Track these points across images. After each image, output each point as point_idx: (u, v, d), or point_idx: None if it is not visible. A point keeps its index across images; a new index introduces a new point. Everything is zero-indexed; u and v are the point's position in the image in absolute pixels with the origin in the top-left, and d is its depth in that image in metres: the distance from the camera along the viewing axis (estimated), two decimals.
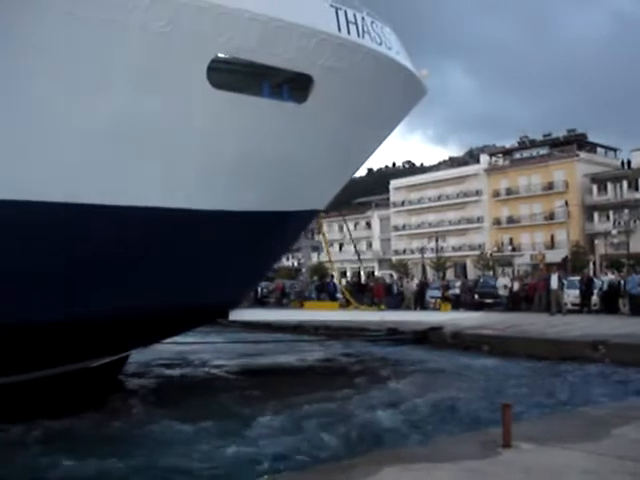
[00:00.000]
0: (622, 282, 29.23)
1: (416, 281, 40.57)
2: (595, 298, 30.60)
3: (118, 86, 11.00)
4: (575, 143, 79.24)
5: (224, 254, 13.47)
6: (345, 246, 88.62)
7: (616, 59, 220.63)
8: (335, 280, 48.40)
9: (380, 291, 37.75)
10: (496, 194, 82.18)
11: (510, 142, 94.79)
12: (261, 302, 42.34)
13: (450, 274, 74.87)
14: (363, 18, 13.41)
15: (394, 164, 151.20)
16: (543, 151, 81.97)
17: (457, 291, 37.73)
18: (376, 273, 74.39)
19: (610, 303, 29.38)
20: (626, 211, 67.94)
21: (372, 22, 13.64)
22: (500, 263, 74.52)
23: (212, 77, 11.73)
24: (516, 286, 35.43)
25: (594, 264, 65.60)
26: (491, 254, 75.79)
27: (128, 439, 10.48)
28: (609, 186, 73.60)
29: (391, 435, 10.60)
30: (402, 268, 77.01)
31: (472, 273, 72.36)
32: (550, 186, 76.43)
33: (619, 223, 68.53)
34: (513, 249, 78.69)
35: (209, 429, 10.96)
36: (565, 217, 69.36)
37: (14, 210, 10.58)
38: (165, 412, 12.29)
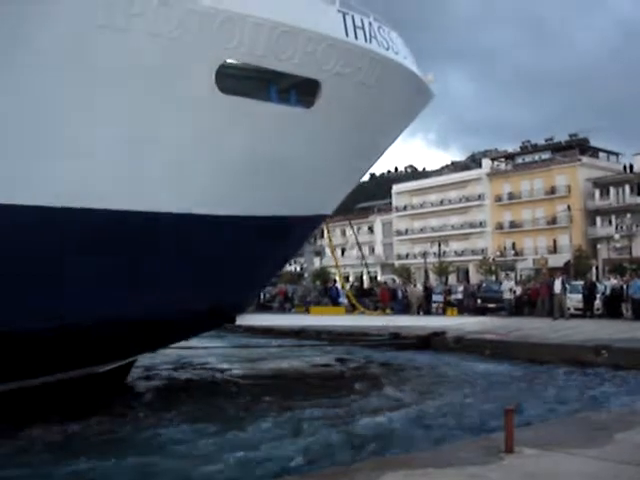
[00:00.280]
0: (625, 287, 29.19)
1: (419, 286, 40.36)
2: (598, 303, 30.58)
3: (127, 92, 11.04)
4: (577, 147, 79.29)
5: (232, 259, 13.49)
6: (347, 251, 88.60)
7: (618, 64, 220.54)
8: (338, 285, 48.46)
9: (385, 296, 37.64)
10: (498, 198, 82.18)
11: (512, 146, 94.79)
12: (264, 307, 42.35)
13: (453, 279, 74.84)
14: (370, 23, 13.43)
15: (396, 169, 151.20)
16: (545, 155, 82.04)
17: (460, 296, 37.72)
18: (379, 278, 74.30)
19: (613, 308, 29.35)
20: (628, 215, 67.90)
21: (379, 27, 13.66)
22: (503, 268, 74.44)
23: (220, 82, 11.76)
24: (519, 291, 35.44)
25: (597, 269, 65.58)
26: (494, 259, 75.75)
27: (134, 443, 10.49)
28: (611, 190, 73.56)
29: (394, 440, 10.59)
30: (404, 273, 76.93)
31: (475, 278, 72.24)
32: (552, 190, 76.42)
33: (621, 227, 68.49)
34: (516, 254, 78.64)
35: (213, 433, 10.97)
36: (567, 222, 69.25)
37: (28, 215, 10.64)
38: (170, 416, 12.34)
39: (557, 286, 28.81)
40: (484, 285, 41.83)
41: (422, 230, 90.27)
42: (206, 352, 21.57)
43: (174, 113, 11.60)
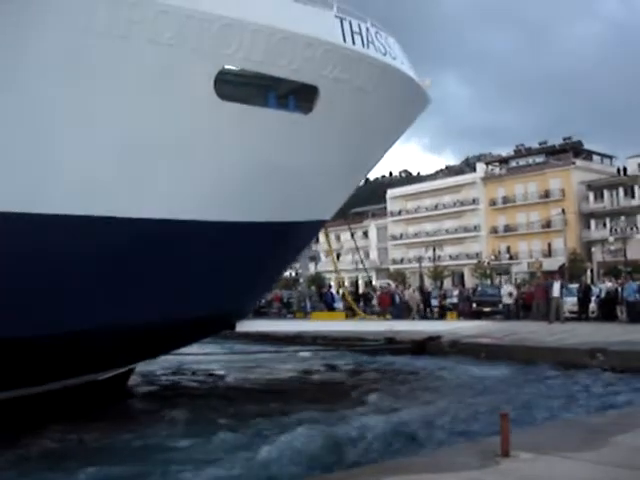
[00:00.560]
0: (619, 289, 29.25)
1: (413, 292, 40.24)
2: (593, 305, 30.64)
3: (125, 99, 11.04)
4: (571, 151, 79.57)
5: (232, 265, 13.48)
6: (342, 256, 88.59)
7: (611, 68, 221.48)
8: (333, 290, 48.45)
9: (385, 300, 37.47)
10: (493, 202, 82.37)
11: (506, 150, 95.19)
12: (259, 313, 42.17)
13: (448, 283, 74.95)
14: (368, 28, 13.47)
15: (391, 173, 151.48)
16: (539, 159, 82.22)
17: (455, 300, 37.70)
18: (374, 282, 74.24)
19: (608, 310, 29.41)
20: (622, 218, 68.06)
21: (376, 32, 13.69)
22: (497, 271, 74.58)
23: (219, 89, 11.77)
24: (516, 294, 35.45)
25: (591, 271, 65.74)
26: (488, 263, 75.87)
27: (131, 451, 10.45)
28: (605, 193, 73.82)
29: (391, 445, 10.59)
30: (399, 277, 77.00)
31: (470, 282, 72.35)
32: (547, 194, 76.63)
33: (616, 230, 68.63)
34: (510, 257, 78.78)
35: (208, 441, 10.92)
36: (562, 225, 69.42)
37: (29, 223, 10.62)
38: (167, 423, 12.34)
39: (556, 289, 28.81)
40: (479, 289, 41.78)
41: (417, 235, 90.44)
42: (202, 358, 21.51)
43: (173, 120, 11.60)
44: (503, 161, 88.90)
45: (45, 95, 10.37)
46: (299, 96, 13.29)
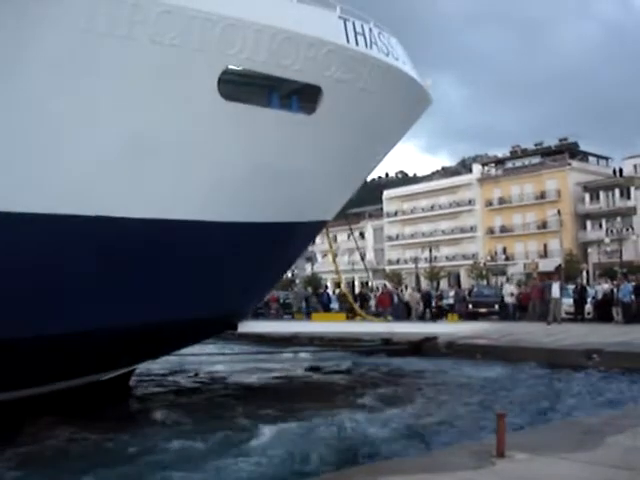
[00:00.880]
0: (615, 290, 29.29)
1: (413, 292, 39.89)
2: (589, 306, 30.68)
3: (130, 100, 11.04)
4: (567, 152, 79.64)
5: (234, 266, 13.48)
6: (339, 256, 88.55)
7: (607, 69, 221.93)
8: (329, 290, 48.40)
9: (385, 301, 36.94)
10: (489, 203, 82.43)
11: (502, 151, 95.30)
12: (256, 314, 41.95)
13: (444, 284, 74.99)
14: (371, 29, 13.50)
15: (387, 174, 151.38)
16: (535, 160, 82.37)
17: (451, 301, 37.61)
18: (370, 283, 74.25)
19: (603, 311, 29.44)
20: (618, 219, 68.25)
21: (379, 33, 13.73)
22: (494, 272, 74.66)
23: (223, 89, 11.78)
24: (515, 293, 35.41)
25: (587, 272, 65.81)
26: (484, 263, 75.96)
27: (127, 453, 10.39)
28: (601, 194, 73.93)
29: (384, 446, 10.58)
30: (396, 278, 77.01)
31: (466, 282, 72.42)
32: (542, 195, 76.70)
33: (612, 231, 68.81)
34: (506, 258, 78.86)
35: (205, 442, 10.91)
36: (558, 226, 69.56)
37: (31, 223, 10.61)
38: (166, 425, 12.34)
39: (555, 290, 28.83)
40: (475, 290, 41.66)
41: (413, 235, 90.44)
42: (198, 359, 21.48)
43: (176, 120, 11.60)
44: (499, 162, 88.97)
45: (46, 95, 10.36)
46: (302, 96, 13.31)
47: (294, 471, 9.16)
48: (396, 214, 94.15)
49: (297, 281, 55.87)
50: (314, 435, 11.11)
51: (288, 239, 14.82)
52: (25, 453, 10.38)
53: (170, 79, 11.24)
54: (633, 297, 27.61)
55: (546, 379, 16.86)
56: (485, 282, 67.84)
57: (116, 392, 15.08)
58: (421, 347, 22.98)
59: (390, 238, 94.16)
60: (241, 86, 12.74)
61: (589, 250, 71.15)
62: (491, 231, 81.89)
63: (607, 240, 66.71)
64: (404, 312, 35.31)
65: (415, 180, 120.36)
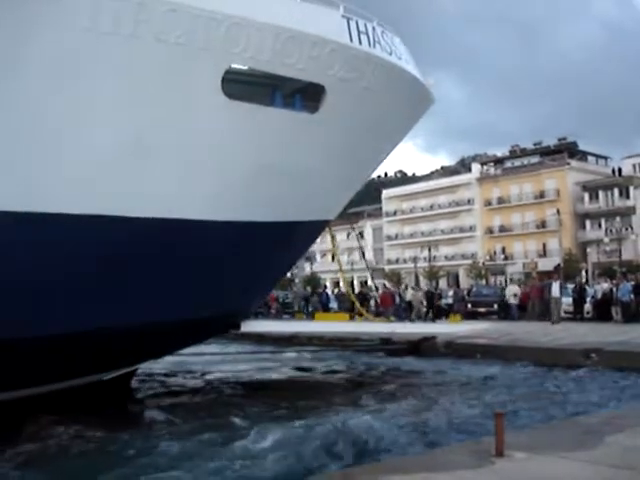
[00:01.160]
0: (614, 290, 29.31)
1: (412, 291, 39.52)
2: (588, 306, 30.70)
3: (133, 98, 11.04)
4: (566, 151, 79.65)
5: (236, 265, 13.48)
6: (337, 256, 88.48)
7: (605, 68, 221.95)
8: (328, 290, 48.36)
9: (387, 300, 36.62)
10: (488, 203, 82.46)
11: (501, 151, 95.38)
12: (255, 313, 41.84)
13: (443, 283, 75.02)
14: (374, 28, 13.49)
15: (386, 174, 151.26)
16: (534, 160, 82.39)
17: (450, 300, 37.57)
18: (369, 283, 74.25)
19: (603, 311, 29.45)
20: (618, 219, 68.31)
21: (382, 32, 13.72)
22: (493, 272, 74.71)
23: (226, 88, 11.78)
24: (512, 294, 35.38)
25: (586, 272, 65.83)
26: (484, 263, 76.00)
27: (127, 454, 10.38)
28: (600, 194, 73.97)
29: (384, 445, 10.59)
30: (395, 278, 77.02)
31: (465, 282, 72.48)
32: (542, 194, 76.74)
33: (611, 231, 68.85)
34: (505, 258, 78.92)
35: (205, 441, 10.92)
36: (557, 225, 69.59)
37: (33, 223, 10.59)
38: (166, 425, 12.34)
39: (555, 290, 28.86)
40: (474, 289, 41.68)
41: (412, 235, 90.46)
42: (197, 359, 21.45)
43: (180, 118, 11.60)
44: (498, 161, 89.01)
45: (49, 94, 10.34)
46: (305, 95, 13.32)
47: (295, 471, 9.15)
48: (395, 213, 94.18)
49: (296, 280, 55.76)
50: (315, 434, 11.10)
51: (291, 238, 14.83)
52: (26, 453, 10.36)
53: (174, 78, 11.23)
54: (632, 296, 27.61)
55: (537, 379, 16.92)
56: (484, 282, 67.87)
57: (117, 392, 15.05)
58: (420, 347, 22.98)
59: (389, 238, 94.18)
60: (245, 85, 12.74)
61: (588, 250, 71.19)
62: (490, 231, 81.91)
63: (606, 239, 66.74)
64: (407, 312, 35.12)
65: (414, 179, 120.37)
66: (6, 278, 10.68)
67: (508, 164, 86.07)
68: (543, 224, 75.42)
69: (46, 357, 11.86)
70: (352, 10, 13.21)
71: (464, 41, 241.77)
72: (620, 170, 75.88)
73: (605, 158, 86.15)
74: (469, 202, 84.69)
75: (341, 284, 77.63)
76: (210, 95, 11.69)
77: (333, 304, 41.35)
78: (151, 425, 12.53)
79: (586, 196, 75.12)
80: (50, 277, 11.12)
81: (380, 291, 42.89)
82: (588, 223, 74.13)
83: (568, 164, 76.79)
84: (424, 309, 34.78)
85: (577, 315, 30.25)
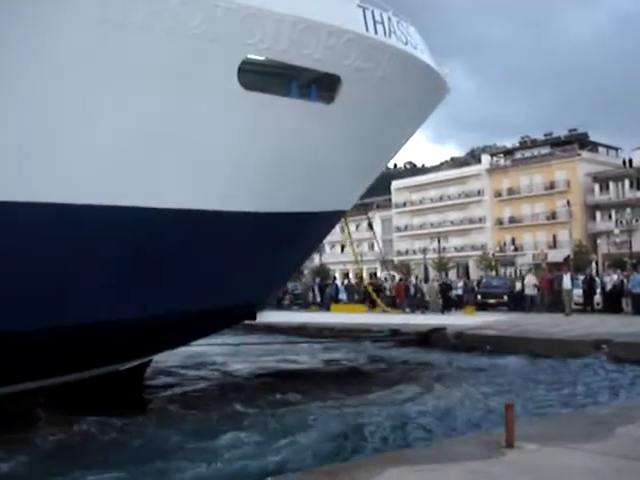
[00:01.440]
0: (625, 281, 29.23)
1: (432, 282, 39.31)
2: (598, 297, 30.62)
3: (150, 89, 11.01)
4: (576, 142, 79.39)
5: (254, 255, 13.46)
6: (347, 247, 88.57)
7: (616, 58, 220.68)
8: (337, 282, 48.40)
9: (401, 292, 36.73)
10: (498, 194, 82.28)
11: (511, 142, 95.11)
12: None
13: (452, 275, 74.96)
14: (389, 18, 13.42)
15: (395, 165, 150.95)
16: (544, 151, 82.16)
17: (460, 292, 37.53)
18: (378, 274, 74.30)
19: (613, 302, 29.37)
20: (628, 210, 67.86)
21: (398, 21, 13.66)
22: (502, 263, 74.59)
23: (242, 78, 11.75)
24: (519, 286, 35.30)
25: (596, 263, 65.62)
26: (493, 254, 75.88)
27: (137, 448, 10.37)
28: (611, 185, 73.68)
29: (396, 436, 10.60)
30: (404, 269, 77.02)
31: (474, 273, 72.40)
32: (552, 186, 76.53)
33: (621, 222, 68.48)
34: (515, 249, 78.81)
35: (220, 430, 10.95)
36: (567, 217, 69.37)
37: (52, 213, 10.59)
38: (181, 419, 12.30)
39: (567, 281, 28.81)
40: (484, 280, 41.62)
41: (421, 226, 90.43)
42: (209, 349, 21.40)
43: (197, 109, 11.57)
44: (508, 152, 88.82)
45: (66, 85, 10.31)
46: (321, 86, 13.27)
47: (303, 462, 9.17)
48: (404, 205, 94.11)
49: (305, 272, 55.88)
50: (335, 424, 11.16)
51: (307, 229, 14.80)
52: (50, 442, 10.42)
53: (190, 68, 11.19)
54: None
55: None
56: (494, 273, 67.78)
57: (132, 383, 15.06)
58: (429, 338, 22.94)
59: (398, 229, 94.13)
60: (261, 75, 12.70)
61: (598, 241, 71.01)
62: (500, 222, 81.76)
63: (617, 231, 66.49)
64: (421, 303, 35.08)
65: (424, 171, 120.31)
66: (27, 269, 10.70)
67: (518, 155, 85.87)
68: (553, 215, 75.25)
69: (67, 348, 11.87)
70: (367, 0, 13.15)
71: (473, 31, 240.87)
72: (631, 161, 75.35)
73: (616, 149, 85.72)
74: (479, 193, 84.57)
75: (350, 275, 77.83)
76: (226, 86, 11.65)
77: (342, 295, 41.42)
78: (162, 417, 12.49)
79: (596, 187, 74.84)
80: (68, 268, 11.12)
81: (389, 282, 42.90)
82: (598, 214, 73.87)
83: (579, 155, 76.54)
84: (439, 300, 34.66)
85: (587, 307, 30.19)
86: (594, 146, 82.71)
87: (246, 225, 12.95)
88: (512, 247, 79.28)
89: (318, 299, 41.34)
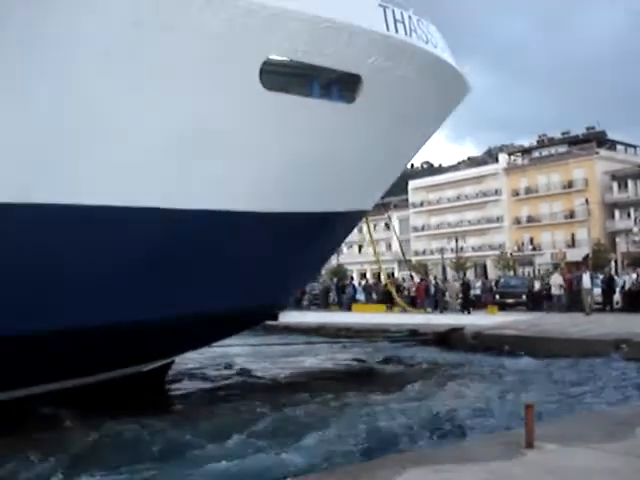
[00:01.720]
0: None
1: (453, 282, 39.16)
2: (617, 296, 30.46)
3: (173, 89, 11.04)
4: (594, 140, 78.88)
5: (275, 256, 13.48)
6: (365, 247, 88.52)
7: (635, 55, 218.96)
8: (355, 282, 48.42)
9: (421, 292, 36.73)
10: (515, 193, 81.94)
11: (529, 141, 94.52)
12: None
13: (470, 274, 74.74)
14: (410, 17, 13.40)
15: (412, 165, 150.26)
16: (562, 149, 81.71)
17: (478, 291, 37.46)
18: (396, 274, 74.22)
19: (632, 301, 29.21)
20: None
21: (418, 20, 13.64)
22: (521, 262, 74.26)
23: (264, 79, 11.76)
24: (537, 285, 35.18)
25: (615, 262, 65.23)
26: (511, 254, 75.57)
27: (162, 448, 10.38)
28: (630, 183, 73.14)
29: (418, 435, 10.63)
30: (422, 269, 76.89)
31: (492, 273, 72.14)
32: (570, 184, 76.10)
33: None
34: (533, 248, 78.42)
35: (241, 430, 10.97)
36: (585, 215, 69.01)
37: (76, 214, 10.66)
38: (203, 419, 12.33)
39: (586, 281, 28.68)
40: (502, 280, 41.54)
41: (439, 226, 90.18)
42: (227, 350, 21.47)
43: (219, 110, 11.60)
44: (525, 151, 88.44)
45: (91, 87, 10.36)
46: (342, 85, 13.26)
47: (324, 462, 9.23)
48: (422, 204, 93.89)
49: (323, 272, 55.82)
50: (359, 423, 11.22)
51: (329, 229, 14.82)
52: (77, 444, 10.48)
53: (212, 69, 11.21)
54: None
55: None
56: (512, 272, 67.52)
57: (154, 384, 15.15)
58: (448, 338, 22.91)
59: (416, 229, 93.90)
60: (282, 76, 12.71)
61: (617, 239, 70.52)
62: (518, 221, 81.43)
63: (635, 229, 66.08)
64: (441, 303, 35.11)
65: (441, 170, 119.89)
66: (58, 270, 10.82)
67: (536, 154, 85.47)
68: (571, 214, 74.82)
69: (93, 347, 11.97)
70: None
71: (490, 28, 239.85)
72: None
73: (634, 147, 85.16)
74: (496, 192, 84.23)
75: (368, 275, 77.75)
76: (248, 86, 11.68)
77: (360, 296, 41.45)
78: (185, 418, 12.56)
79: (615, 185, 74.35)
80: (96, 269, 11.22)
81: (408, 282, 42.90)
82: (617, 213, 73.37)
83: (597, 153, 76.05)
84: (459, 300, 34.63)
85: (606, 306, 30.04)
86: (612, 144, 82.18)
87: (268, 225, 12.99)
88: (530, 246, 78.90)
89: (336, 299, 41.45)
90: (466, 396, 13.87)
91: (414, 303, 36.52)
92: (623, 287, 30.60)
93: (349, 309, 38.15)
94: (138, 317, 11.79)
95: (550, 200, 77.92)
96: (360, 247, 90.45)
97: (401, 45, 13.12)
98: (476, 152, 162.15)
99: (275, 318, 16.65)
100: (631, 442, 7.21)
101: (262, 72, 11.66)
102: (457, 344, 22.23)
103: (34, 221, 10.37)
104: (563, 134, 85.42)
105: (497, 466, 6.42)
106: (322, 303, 41.69)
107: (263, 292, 13.71)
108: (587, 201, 69.19)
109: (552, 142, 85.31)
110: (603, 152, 77.31)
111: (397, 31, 12.98)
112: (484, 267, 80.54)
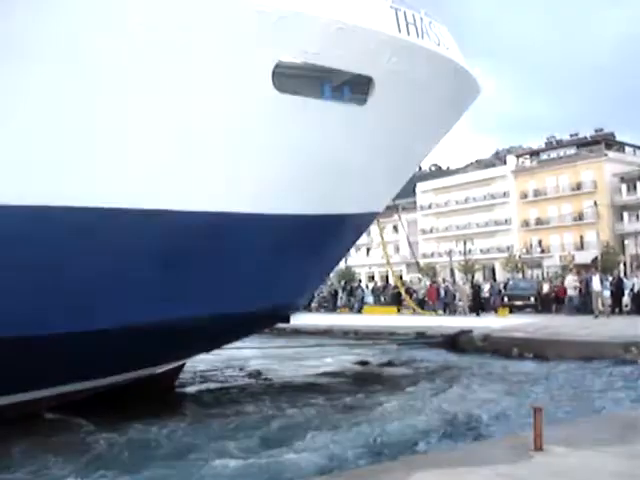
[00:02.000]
0: None
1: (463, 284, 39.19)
2: (626, 299, 30.39)
3: (184, 91, 11.05)
4: (603, 142, 78.70)
5: (286, 258, 13.47)
6: (373, 250, 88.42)
7: None
8: (363, 285, 48.49)
9: (433, 294, 36.88)
10: (524, 195, 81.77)
11: (537, 143, 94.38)
12: None
13: (479, 277, 74.61)
14: (422, 19, 13.39)
15: (420, 167, 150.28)
16: (570, 151, 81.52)
17: (487, 294, 37.47)
18: (404, 277, 74.14)
19: None
20: None
21: (430, 22, 13.63)
22: (529, 265, 74.09)
23: (276, 81, 11.75)
24: (546, 288, 35.11)
25: (624, 265, 65.01)
26: (520, 256, 75.41)
27: (177, 450, 10.45)
28: (638, 185, 72.90)
29: (424, 439, 10.63)
30: (430, 272, 76.78)
31: (501, 275, 72.00)
32: (578, 186, 75.90)
33: None
34: (542, 251, 78.23)
35: (252, 431, 11.08)
36: (594, 217, 68.81)
37: (83, 217, 10.65)
38: (214, 421, 12.36)
39: (596, 283, 28.62)
40: (511, 283, 41.52)
41: (447, 228, 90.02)
42: (234, 352, 21.48)
43: (231, 112, 11.59)
44: (534, 153, 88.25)
45: (102, 89, 10.38)
46: (353, 87, 13.25)
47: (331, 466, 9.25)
48: (430, 207, 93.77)
49: (331, 275, 55.87)
50: (367, 426, 11.25)
51: (340, 231, 14.78)
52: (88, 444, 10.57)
53: (225, 72, 11.22)
54: None
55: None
56: (520, 275, 67.40)
57: (166, 386, 15.19)
58: (456, 340, 22.87)
59: (424, 231, 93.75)
60: (294, 78, 12.73)
61: (626, 242, 70.26)
62: (526, 223, 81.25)
63: None
64: (451, 305, 35.08)
65: (449, 173, 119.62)
66: (68, 272, 10.87)
67: (544, 156, 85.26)
68: (580, 216, 74.61)
69: (105, 350, 12.00)
70: (400, 0, 13.16)
71: (500, 30, 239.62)
72: None
73: None
74: (504, 195, 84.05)
75: (376, 277, 77.67)
76: (261, 89, 11.68)
77: (368, 298, 41.49)
78: (196, 421, 12.59)
79: (624, 187, 74.12)
80: (107, 272, 11.24)
81: (417, 285, 42.97)
82: (626, 215, 73.11)
83: (605, 155, 75.83)
84: (469, 303, 34.69)
85: (615, 308, 29.97)
86: (621, 146, 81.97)
87: (279, 228, 13.01)
88: (539, 249, 78.72)
89: (345, 302, 41.55)
90: (474, 399, 13.85)
91: (422, 305, 36.58)
92: (632, 289, 30.51)
93: (359, 311, 38.22)
94: (153, 319, 11.81)
95: (559, 202, 77.73)
96: (368, 250, 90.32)
97: (412, 47, 13.11)
98: (484, 154, 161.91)
99: (287, 320, 16.66)
100: None
101: (274, 74, 11.68)
102: (466, 347, 22.20)
103: (34, 221, 10.39)
104: (571, 136, 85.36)
105: (505, 469, 6.43)
106: (331, 306, 41.72)
107: (279, 293, 13.72)
108: (596, 203, 69.00)
109: (560, 144, 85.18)
110: (612, 154, 77.09)
111: (409, 33, 12.97)
112: (492, 270, 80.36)
